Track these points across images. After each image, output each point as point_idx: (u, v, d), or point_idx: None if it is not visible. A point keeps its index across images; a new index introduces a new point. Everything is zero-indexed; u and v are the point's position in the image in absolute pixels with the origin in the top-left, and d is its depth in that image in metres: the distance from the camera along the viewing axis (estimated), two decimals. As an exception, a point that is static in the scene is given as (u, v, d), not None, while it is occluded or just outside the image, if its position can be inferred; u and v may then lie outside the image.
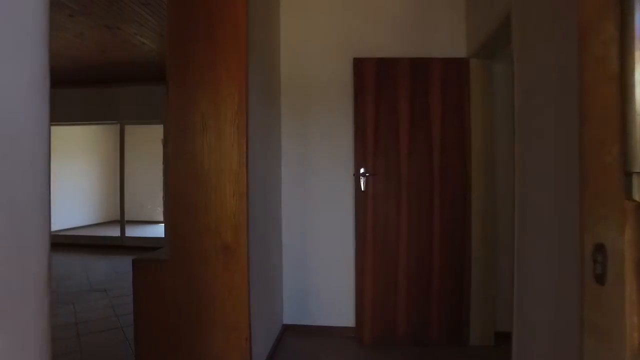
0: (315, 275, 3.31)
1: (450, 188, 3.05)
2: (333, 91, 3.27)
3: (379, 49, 3.20)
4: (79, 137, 9.43)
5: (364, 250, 3.08)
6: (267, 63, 2.89)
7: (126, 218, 11.12)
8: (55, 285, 4.71)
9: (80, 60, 5.56)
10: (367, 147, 3.09)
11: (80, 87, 6.97)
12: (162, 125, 7.01)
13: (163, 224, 9.27)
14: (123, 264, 5.80)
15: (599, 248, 0.64)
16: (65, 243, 7.25)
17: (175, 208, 2.26)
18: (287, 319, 3.35)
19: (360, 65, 3.10)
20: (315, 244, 3.29)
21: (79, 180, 9.53)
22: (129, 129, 10.98)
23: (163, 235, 6.91)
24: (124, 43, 4.90)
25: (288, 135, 3.33)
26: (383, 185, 3.09)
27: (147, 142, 10.51)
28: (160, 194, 10.40)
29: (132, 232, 8.64)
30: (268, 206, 2.82)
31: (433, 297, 3.05)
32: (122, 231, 7.06)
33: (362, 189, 3.06)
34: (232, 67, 2.24)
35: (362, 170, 3.06)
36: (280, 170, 3.29)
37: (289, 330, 3.32)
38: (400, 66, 3.08)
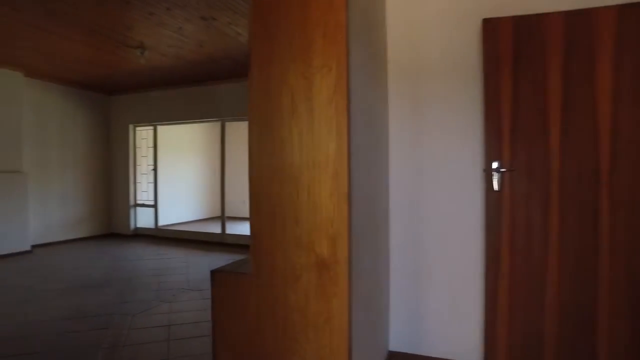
0: (430, 295, 2.67)
1: (627, 187, 2.18)
2: (454, 65, 2.59)
3: (517, 4, 2.44)
4: (184, 135, 9.83)
5: (497, 266, 2.37)
6: (370, 31, 2.33)
7: (228, 214, 11.55)
8: (158, 281, 4.72)
9: (182, 57, 5.58)
10: (502, 135, 2.36)
11: (183, 86, 7.14)
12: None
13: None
14: (223, 262, 5.71)
15: None
16: (171, 238, 7.53)
17: (258, 212, 1.83)
18: (394, 345, 2.77)
19: (491, 27, 2.38)
20: (431, 258, 2.65)
21: (184, 177, 9.96)
22: (230, 126, 11.34)
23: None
24: (220, 35, 4.74)
25: (396, 121, 2.73)
26: (524, 184, 2.34)
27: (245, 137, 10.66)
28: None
29: (233, 229, 8.76)
30: (374, 211, 2.27)
31: (599, 330, 2.23)
32: (223, 228, 7.08)
33: (496, 189, 2.35)
34: (329, 32, 1.73)
35: (495, 165, 2.35)
36: (387, 165, 2.71)
37: (395, 358, 2.74)
38: (548, 24, 2.29)
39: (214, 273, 1.99)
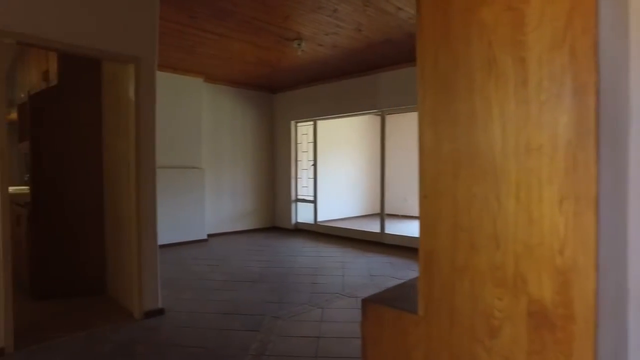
0: None
1: None
2: None
3: None
4: (343, 129, 9.72)
5: None
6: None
7: (387, 212, 11.10)
8: (312, 281, 4.51)
9: (339, 46, 5.27)
10: None
11: (341, 79, 6.90)
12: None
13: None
14: (380, 266, 5.26)
15: None
16: (329, 234, 7.43)
17: (431, 224, 1.23)
18: None
19: None
20: None
21: (343, 172, 9.86)
22: (390, 118, 10.85)
23: (421, 236, 6.07)
24: (378, 13, 4.23)
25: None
26: None
27: (409, 131, 10.03)
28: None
29: (392, 228, 8.26)
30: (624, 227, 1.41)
31: None
32: (382, 227, 6.63)
33: None
34: None
35: None
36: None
37: None
38: None
39: (365, 303, 1.46)
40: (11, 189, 5.78)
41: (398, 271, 4.96)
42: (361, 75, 6.61)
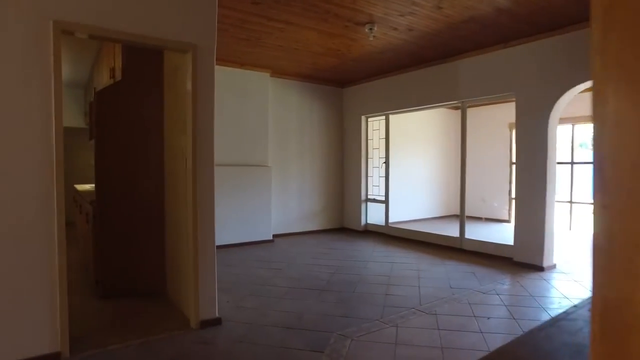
0: None
1: None
2: None
3: None
4: (417, 124, 9.07)
5: None
6: None
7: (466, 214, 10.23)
8: (384, 292, 4.02)
9: (415, 28, 4.70)
10: None
11: (416, 68, 6.29)
12: (513, 101, 5.40)
13: (511, 224, 7.66)
14: (461, 276, 4.63)
15: None
16: (402, 237, 6.85)
17: (620, 252, 0.70)
18: None
19: None
20: None
21: (416, 170, 9.19)
22: (472, 112, 9.93)
23: (511, 242, 5.31)
24: (464, -16, 3.63)
25: None
26: None
27: (491, 126, 9.10)
28: (506, 189, 8.77)
29: (472, 231, 7.47)
30: None
31: None
32: (462, 231, 5.93)
33: None
34: None
35: None
36: None
37: None
38: None
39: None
40: (83, 186, 5.99)
41: (483, 283, 4.29)
42: (439, 62, 5.95)
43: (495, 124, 8.87)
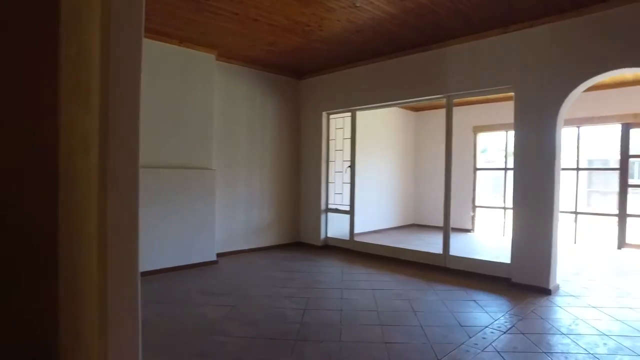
0: None
1: None
2: None
3: None
4: (377, 123, 8.27)
5: None
6: None
7: (424, 222, 9.57)
8: (381, 338, 2.97)
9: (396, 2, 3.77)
10: None
11: (392, 55, 5.39)
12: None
13: (475, 233, 7.04)
14: (463, 307, 3.72)
15: None
16: (366, 253, 5.88)
17: None
18: None
19: None
20: None
21: (380, 175, 8.36)
22: (424, 115, 9.32)
23: (505, 260, 4.54)
24: None
25: None
26: None
27: (454, 130, 8.47)
28: (470, 197, 8.17)
29: (436, 243, 6.72)
30: None
31: None
32: (446, 247, 5.08)
33: None
34: None
35: None
36: None
37: None
38: None
39: None
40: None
41: (494, 316, 3.41)
42: (422, 49, 5.08)
43: (458, 128, 8.23)
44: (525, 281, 4.24)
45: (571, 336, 3.06)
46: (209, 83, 5.23)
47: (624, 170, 6.63)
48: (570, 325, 3.27)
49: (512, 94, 4.43)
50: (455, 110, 8.23)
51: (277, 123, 6.42)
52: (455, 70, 4.81)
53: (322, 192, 6.46)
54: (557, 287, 4.23)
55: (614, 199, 10.50)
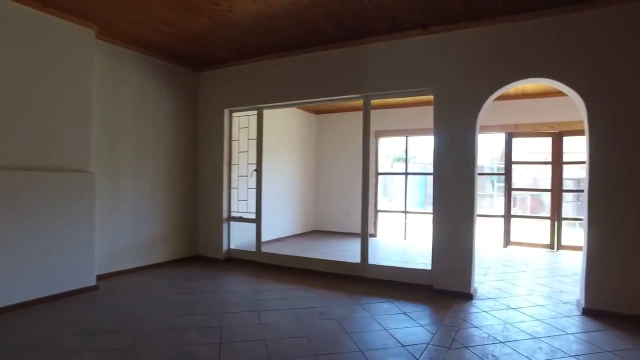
0: None
1: None
2: None
3: None
4: (277, 123, 7.85)
5: None
6: None
7: (326, 228, 9.36)
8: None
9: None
10: None
11: (306, 50, 4.99)
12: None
13: (378, 238, 6.99)
14: (395, 321, 3.43)
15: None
16: (275, 265, 5.36)
17: None
18: None
19: None
20: None
21: (282, 179, 7.92)
22: (325, 118, 9.17)
23: (425, 266, 4.44)
24: None
25: None
26: None
27: (356, 133, 8.41)
28: (372, 201, 8.16)
29: (341, 249, 6.53)
30: None
31: None
32: (364, 256, 4.81)
33: None
34: None
35: None
36: None
37: None
38: None
39: None
40: None
41: (429, 329, 3.18)
42: (341, 45, 4.76)
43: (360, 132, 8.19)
44: (447, 287, 4.15)
45: (509, 344, 2.96)
46: (85, 65, 4.19)
47: (508, 175, 7.21)
48: (503, 332, 3.19)
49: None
50: (358, 114, 8.29)
51: (173, 120, 5.53)
52: (374, 70, 4.59)
53: (224, 199, 5.74)
54: (476, 291, 4.23)
55: (490, 202, 11.65)
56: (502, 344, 2.97)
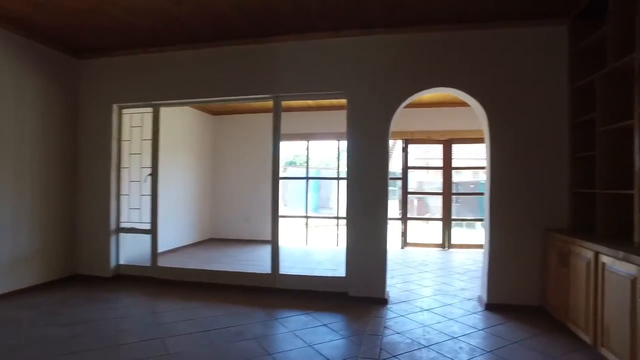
0: None
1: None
2: None
3: None
4: (169, 123, 7.23)
5: None
6: None
7: (224, 236, 8.81)
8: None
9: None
10: None
11: (212, 44, 4.58)
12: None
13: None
14: (318, 335, 3.24)
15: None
16: (174, 281, 4.81)
17: None
18: None
19: None
20: None
21: (177, 184, 7.27)
22: (223, 119, 8.66)
23: (339, 273, 4.35)
24: None
25: None
26: None
27: (257, 137, 8.10)
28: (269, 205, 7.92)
29: (243, 257, 6.22)
30: None
31: None
32: (275, 265, 4.54)
33: None
34: None
35: None
36: None
37: None
38: None
39: None
40: None
41: (355, 340, 3.07)
42: (251, 41, 4.43)
43: (262, 135, 7.92)
44: (362, 294, 4.11)
45: (433, 347, 2.98)
46: None
47: (405, 179, 7.59)
48: (424, 335, 3.22)
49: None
50: (261, 116, 8.01)
51: (45, 115, 4.60)
52: (286, 70, 4.37)
53: (112, 208, 4.98)
54: (389, 295, 4.26)
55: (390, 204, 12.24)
56: (427, 348, 2.98)
